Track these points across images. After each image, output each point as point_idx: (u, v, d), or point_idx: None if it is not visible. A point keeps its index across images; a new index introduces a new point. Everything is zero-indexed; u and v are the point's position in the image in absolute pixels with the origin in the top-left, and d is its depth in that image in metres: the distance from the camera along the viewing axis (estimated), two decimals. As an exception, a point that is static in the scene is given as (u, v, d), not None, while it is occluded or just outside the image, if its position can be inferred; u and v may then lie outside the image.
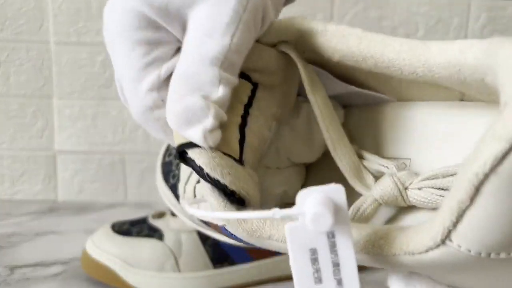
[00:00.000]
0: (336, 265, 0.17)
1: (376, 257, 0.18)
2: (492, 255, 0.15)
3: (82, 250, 0.44)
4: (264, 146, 0.24)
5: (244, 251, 0.42)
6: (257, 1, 0.20)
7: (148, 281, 0.41)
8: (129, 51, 0.22)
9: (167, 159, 0.41)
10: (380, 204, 0.22)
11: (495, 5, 0.62)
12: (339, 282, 0.17)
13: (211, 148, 0.20)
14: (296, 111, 0.25)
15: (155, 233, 0.42)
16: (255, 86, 0.23)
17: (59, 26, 0.62)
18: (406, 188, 0.22)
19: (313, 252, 0.17)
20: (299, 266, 0.18)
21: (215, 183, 0.20)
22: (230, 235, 0.22)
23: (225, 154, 0.21)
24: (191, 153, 0.20)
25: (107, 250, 0.42)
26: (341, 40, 0.21)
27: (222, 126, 0.21)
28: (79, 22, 0.62)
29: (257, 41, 0.22)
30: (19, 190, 0.66)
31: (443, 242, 0.16)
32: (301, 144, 0.26)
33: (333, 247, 0.17)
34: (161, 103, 0.22)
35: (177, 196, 0.39)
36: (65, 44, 0.62)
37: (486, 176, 0.14)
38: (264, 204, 0.23)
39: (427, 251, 0.16)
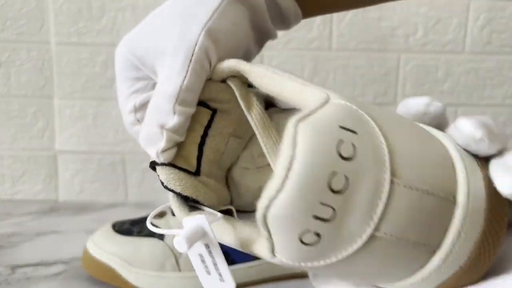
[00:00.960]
0: (215, 264, 0.26)
1: (251, 252, 0.24)
2: (302, 264, 0.21)
3: (83, 249, 0.44)
4: (219, 156, 0.30)
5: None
6: (201, 54, 0.28)
7: (148, 280, 0.41)
8: (120, 83, 0.32)
9: None
10: None
11: (495, 5, 0.62)
12: (220, 274, 0.26)
13: (170, 165, 0.28)
14: None
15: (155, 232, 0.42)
16: (214, 111, 0.29)
17: (60, 27, 0.62)
18: None
19: (201, 256, 0.26)
20: (196, 264, 0.26)
21: (171, 191, 0.27)
22: None
23: (180, 169, 0.28)
24: (157, 170, 0.28)
25: (108, 249, 0.42)
26: (259, 80, 0.26)
27: (180, 145, 0.28)
28: (79, 22, 0.62)
29: (211, 78, 0.29)
30: (20, 190, 0.66)
31: (273, 255, 0.22)
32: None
33: (210, 254, 0.26)
34: (137, 122, 0.31)
35: None
36: (66, 45, 0.62)
37: (264, 215, 0.20)
38: (243, 198, 0.30)
39: (271, 258, 0.22)
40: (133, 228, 0.44)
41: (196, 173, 0.29)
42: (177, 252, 0.41)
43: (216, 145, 0.30)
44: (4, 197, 0.66)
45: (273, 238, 0.21)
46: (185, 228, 0.25)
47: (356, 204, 0.20)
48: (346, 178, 0.20)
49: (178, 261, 0.41)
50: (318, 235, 0.20)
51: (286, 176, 0.20)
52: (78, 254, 0.46)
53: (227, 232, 0.26)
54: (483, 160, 0.23)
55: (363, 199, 0.20)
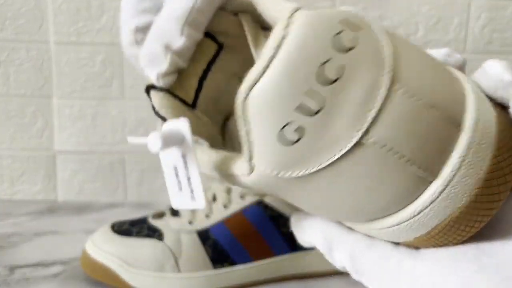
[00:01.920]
0: (188, 178, 0.24)
1: (227, 177, 0.23)
2: (280, 174, 0.19)
3: (82, 250, 0.44)
4: (219, 95, 0.29)
5: (244, 251, 0.42)
6: None
7: (148, 281, 0.41)
8: (126, 2, 0.30)
9: None
10: None
11: (495, 5, 0.62)
12: (192, 191, 0.24)
13: (166, 91, 0.26)
14: None
15: (155, 233, 0.42)
16: (220, 46, 0.28)
17: (59, 26, 0.62)
18: None
19: (175, 168, 0.24)
20: (168, 178, 0.25)
21: (162, 118, 0.26)
22: None
23: (176, 97, 0.27)
24: (152, 94, 0.27)
25: (107, 250, 0.42)
26: (263, 7, 0.25)
27: (181, 74, 0.27)
28: (79, 21, 0.62)
29: (223, 8, 0.27)
30: (19, 190, 0.66)
31: (251, 167, 0.20)
32: None
33: (185, 165, 0.24)
34: (135, 44, 0.29)
35: None
36: (65, 44, 0.62)
37: (245, 99, 0.18)
38: (237, 152, 0.31)
39: (248, 174, 0.20)
40: (132, 228, 0.43)
41: (193, 106, 0.28)
42: (177, 253, 0.41)
43: (217, 82, 0.28)
44: (3, 197, 0.65)
45: (252, 135, 0.19)
46: (164, 128, 0.24)
47: (348, 101, 0.18)
48: (342, 68, 0.18)
49: (178, 262, 0.41)
50: (301, 130, 0.18)
51: (273, 56, 0.18)
52: (77, 255, 0.46)
53: (207, 152, 0.25)
54: (502, 108, 0.21)
55: (356, 97, 0.18)
